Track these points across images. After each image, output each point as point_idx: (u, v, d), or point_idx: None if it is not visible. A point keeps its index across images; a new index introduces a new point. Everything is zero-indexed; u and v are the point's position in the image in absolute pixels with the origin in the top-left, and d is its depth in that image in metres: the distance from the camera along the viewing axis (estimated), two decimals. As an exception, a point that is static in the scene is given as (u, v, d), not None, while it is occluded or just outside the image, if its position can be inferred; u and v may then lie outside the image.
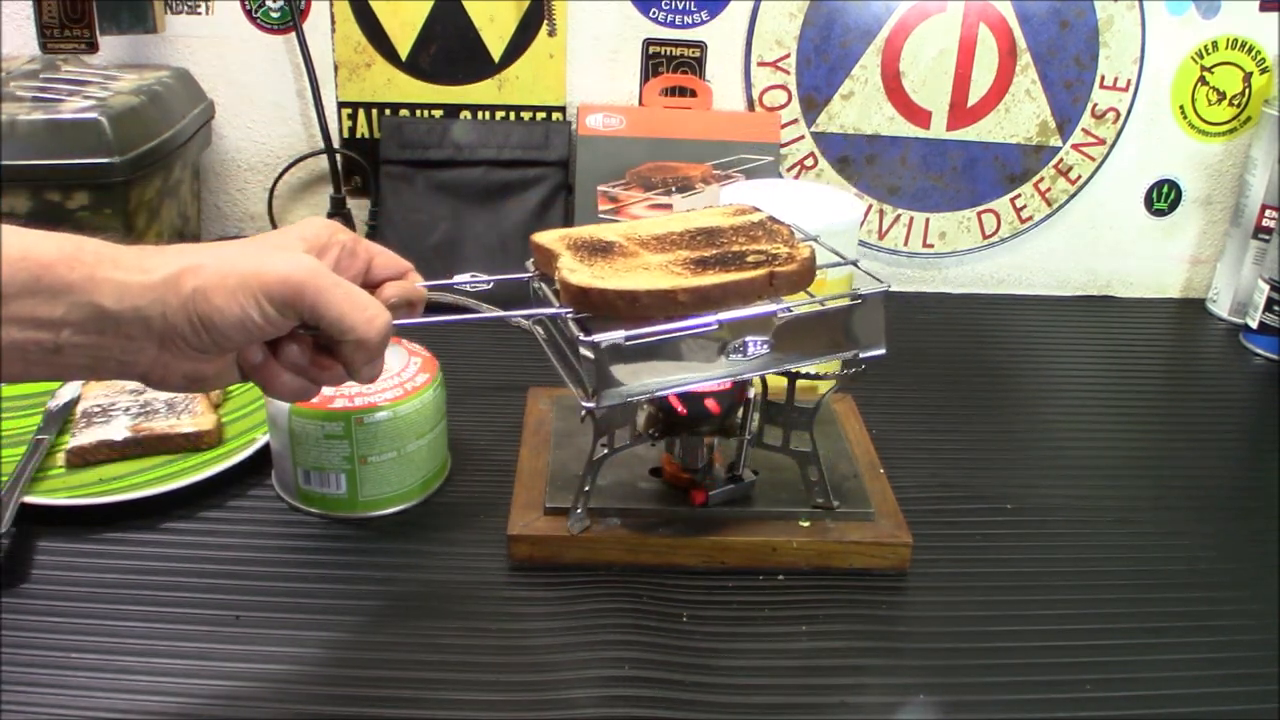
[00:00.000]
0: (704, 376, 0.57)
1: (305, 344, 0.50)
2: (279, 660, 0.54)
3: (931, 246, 1.05)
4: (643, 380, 0.55)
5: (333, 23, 0.96)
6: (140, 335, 0.46)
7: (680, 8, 0.97)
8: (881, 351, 0.60)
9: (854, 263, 0.63)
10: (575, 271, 0.56)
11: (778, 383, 0.63)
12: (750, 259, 0.57)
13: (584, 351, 0.54)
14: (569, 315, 0.55)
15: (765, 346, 0.56)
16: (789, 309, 0.56)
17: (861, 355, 0.59)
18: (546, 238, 0.61)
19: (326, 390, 0.55)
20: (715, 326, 0.55)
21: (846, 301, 0.58)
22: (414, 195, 0.97)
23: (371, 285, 0.54)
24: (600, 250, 0.58)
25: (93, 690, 0.52)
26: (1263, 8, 0.99)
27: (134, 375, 0.48)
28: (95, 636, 0.55)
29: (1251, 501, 0.73)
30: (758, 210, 0.65)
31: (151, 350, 0.47)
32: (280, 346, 0.50)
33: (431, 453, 0.67)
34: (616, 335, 0.53)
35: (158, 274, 0.46)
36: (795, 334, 0.57)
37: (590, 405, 0.55)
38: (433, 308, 0.74)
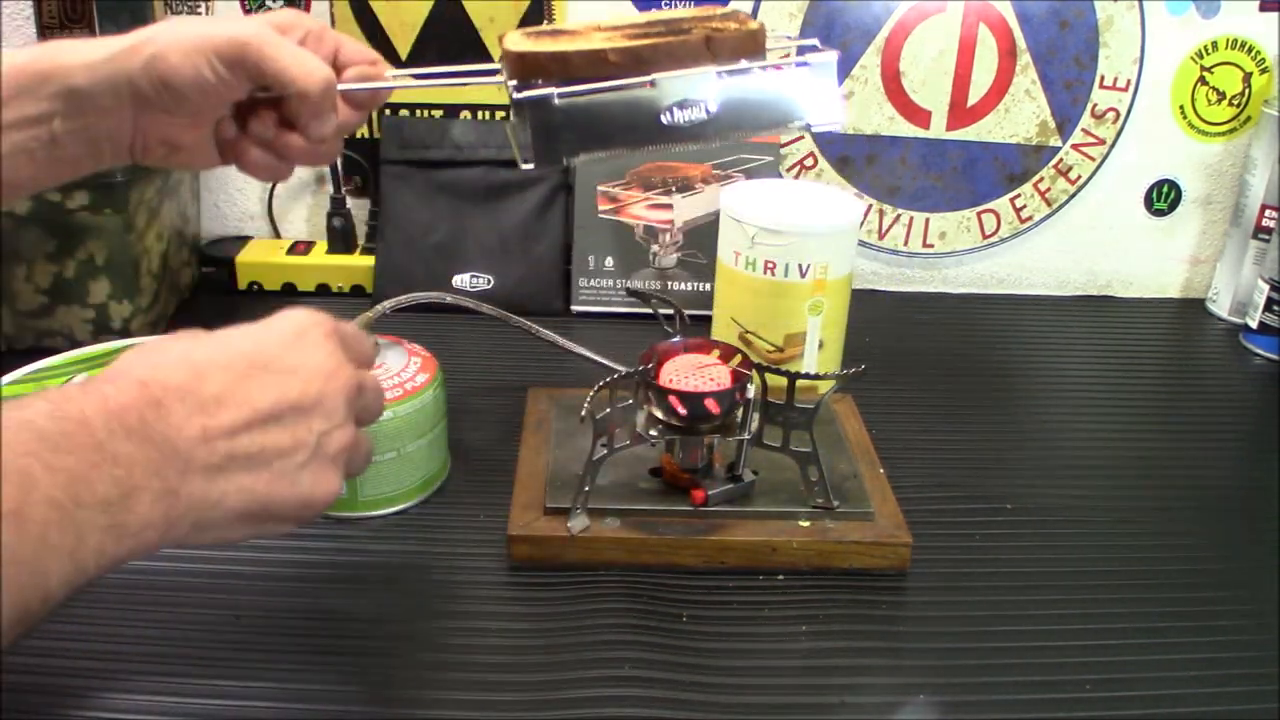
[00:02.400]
0: (647, 140, 0.56)
1: (269, 118, 0.55)
2: (279, 661, 0.54)
3: (931, 246, 1.05)
4: (585, 145, 0.55)
5: (333, 23, 0.96)
6: (114, 106, 0.52)
7: (680, 8, 0.97)
8: (837, 122, 0.58)
9: (809, 46, 0.60)
10: (518, 43, 0.56)
11: (778, 383, 0.63)
12: (694, 31, 0.56)
13: (515, 106, 0.54)
14: (510, 83, 0.55)
15: (705, 112, 0.55)
16: (725, 68, 0.55)
17: (813, 126, 0.57)
18: (513, 31, 0.60)
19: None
20: (649, 84, 0.54)
21: (791, 65, 0.56)
22: (414, 195, 0.97)
23: (339, 70, 0.57)
24: (552, 33, 0.58)
25: (92, 691, 0.52)
26: (1263, 8, 0.99)
27: (123, 152, 0.54)
28: (95, 637, 0.55)
29: (1251, 501, 0.73)
30: (736, 12, 0.62)
31: (129, 117, 0.53)
32: (248, 121, 0.56)
33: (431, 453, 0.67)
34: (547, 91, 0.53)
35: (119, 45, 0.51)
36: (739, 101, 0.55)
37: (529, 166, 0.55)
38: (432, 308, 0.75)
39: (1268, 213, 0.99)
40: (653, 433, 0.63)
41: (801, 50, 0.58)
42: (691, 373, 0.62)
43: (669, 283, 0.97)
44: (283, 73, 0.52)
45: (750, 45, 0.56)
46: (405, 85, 0.60)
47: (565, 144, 0.55)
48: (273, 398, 0.42)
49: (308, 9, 0.96)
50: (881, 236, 1.04)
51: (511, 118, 0.58)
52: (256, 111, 0.56)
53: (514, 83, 0.55)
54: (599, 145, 0.56)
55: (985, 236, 1.05)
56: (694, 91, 0.55)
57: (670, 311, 0.69)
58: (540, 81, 0.55)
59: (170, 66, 0.51)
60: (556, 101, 0.54)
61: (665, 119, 0.55)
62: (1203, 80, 1.01)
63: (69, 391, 0.38)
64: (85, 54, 0.51)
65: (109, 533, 0.36)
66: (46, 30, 0.89)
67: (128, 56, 0.51)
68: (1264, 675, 0.57)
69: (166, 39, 0.51)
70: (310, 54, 0.53)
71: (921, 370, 0.89)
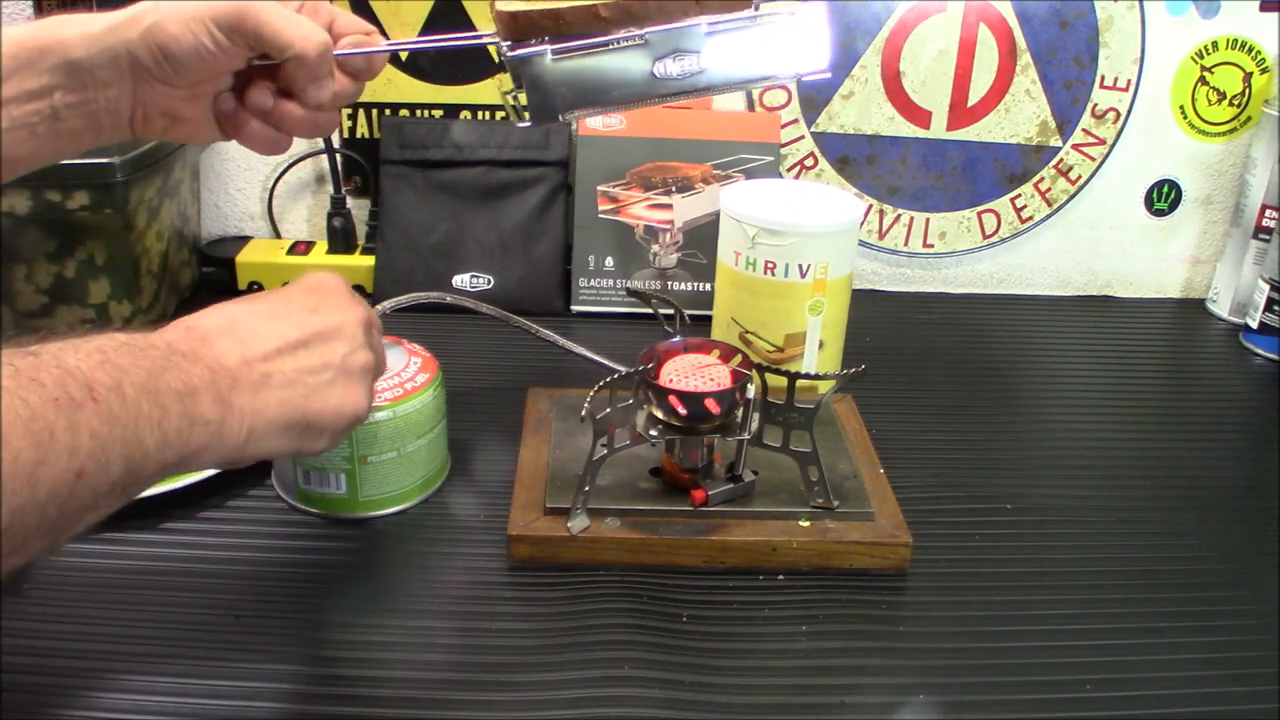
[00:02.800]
0: (641, 94, 0.57)
1: (267, 87, 0.56)
2: (279, 660, 0.54)
3: (931, 246, 1.05)
4: (581, 101, 0.56)
5: (333, 23, 0.96)
6: (114, 78, 0.53)
7: (680, 8, 0.97)
8: (825, 69, 0.59)
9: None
10: (509, 3, 0.56)
11: (778, 383, 0.63)
12: None
13: (510, 65, 0.55)
14: (504, 44, 0.56)
15: (697, 64, 0.56)
16: (716, 20, 0.56)
17: (802, 76, 0.58)
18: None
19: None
20: (641, 39, 0.55)
21: (779, 16, 0.57)
22: (414, 195, 0.97)
23: (333, 39, 0.57)
24: None
25: (92, 691, 0.52)
26: (1263, 8, 0.99)
27: (123, 125, 0.55)
28: (95, 637, 0.55)
29: (1251, 501, 0.73)
30: None
31: (128, 89, 0.53)
32: (245, 94, 0.56)
33: (431, 453, 0.67)
34: (541, 49, 0.54)
35: (118, 17, 0.52)
36: (729, 51, 0.56)
37: (526, 124, 0.57)
38: (432, 308, 0.75)
39: (1268, 213, 0.99)
40: (653, 433, 0.63)
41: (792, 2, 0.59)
42: (691, 373, 0.62)
43: (669, 283, 0.97)
44: (279, 34, 0.52)
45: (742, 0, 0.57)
46: (400, 48, 0.61)
47: (560, 100, 0.56)
48: (299, 328, 0.50)
49: (308, 9, 0.96)
50: (881, 236, 1.04)
51: (504, 88, 0.59)
52: (254, 81, 0.56)
53: (507, 43, 0.55)
54: (594, 101, 0.57)
55: (985, 236, 1.05)
56: (685, 43, 0.56)
57: (670, 311, 0.69)
58: (533, 41, 0.55)
59: (169, 35, 0.52)
60: (550, 58, 0.55)
61: (658, 71, 0.56)
62: (1203, 80, 1.01)
63: (140, 332, 0.45)
64: (84, 26, 0.52)
65: (183, 419, 0.43)
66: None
67: (127, 27, 0.52)
68: (1264, 675, 0.57)
69: (165, 9, 0.52)
70: (306, 19, 0.54)
71: (921, 370, 0.89)
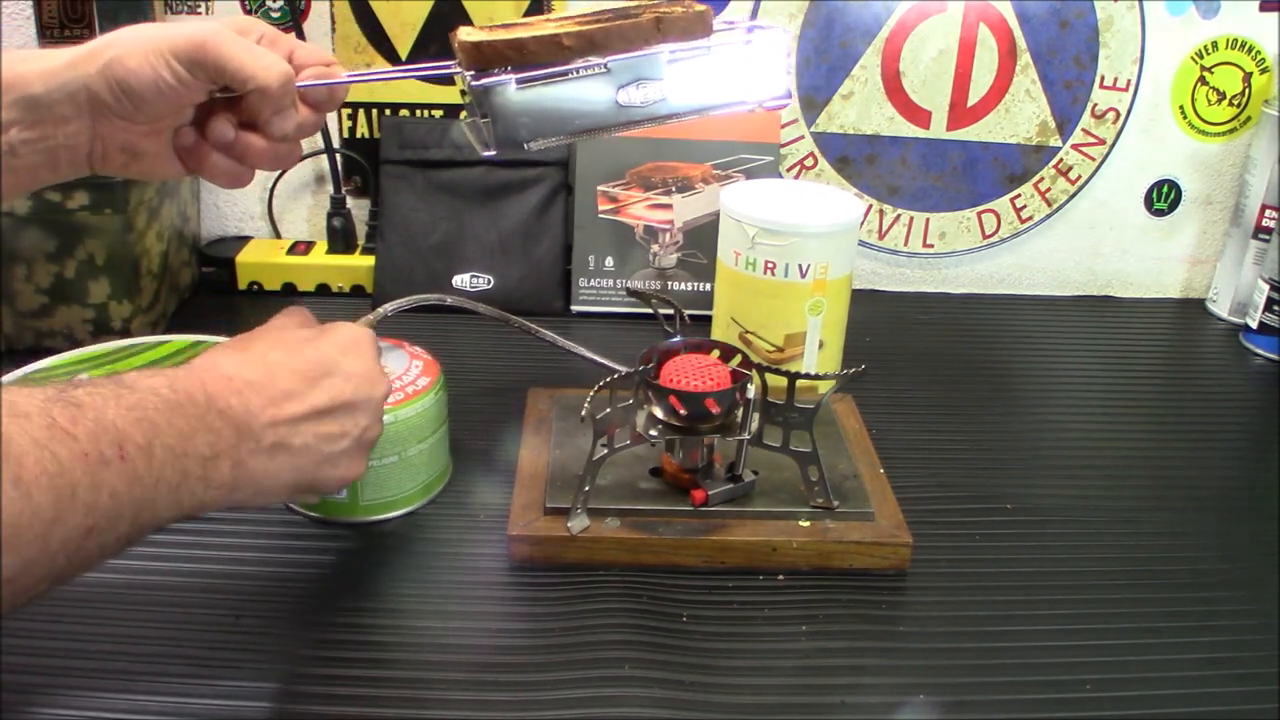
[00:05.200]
0: (604, 122, 0.58)
1: (228, 120, 0.56)
2: (280, 661, 0.54)
3: (931, 246, 1.05)
4: (545, 130, 0.57)
5: (333, 23, 0.96)
6: (73, 114, 0.52)
7: None
8: (782, 96, 0.59)
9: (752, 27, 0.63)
10: (472, 33, 0.57)
11: (778, 383, 0.63)
12: (644, 15, 0.57)
13: (474, 94, 0.56)
14: (468, 74, 0.56)
15: (659, 91, 0.57)
16: (677, 47, 0.57)
17: (764, 103, 0.59)
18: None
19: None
20: (603, 68, 0.55)
21: (738, 43, 0.58)
22: (414, 195, 0.97)
23: (295, 70, 0.57)
24: (505, 26, 0.59)
25: (92, 692, 0.52)
26: (1263, 8, 0.99)
27: (81, 161, 0.54)
28: (95, 638, 0.55)
29: (1251, 501, 0.73)
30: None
31: (87, 125, 0.53)
32: (207, 125, 0.56)
33: (433, 457, 0.67)
34: (505, 78, 0.55)
35: (77, 52, 0.51)
36: (690, 79, 0.57)
37: (490, 154, 0.57)
38: (433, 309, 0.75)
39: (1268, 213, 0.99)
40: (653, 433, 0.63)
41: (751, 31, 0.60)
42: (691, 373, 0.62)
43: (669, 283, 0.97)
44: (241, 67, 0.52)
45: (699, 26, 0.57)
46: (361, 80, 0.61)
47: (524, 129, 0.57)
48: (329, 397, 0.52)
49: (307, 9, 0.96)
50: (881, 236, 1.04)
51: (464, 116, 0.59)
52: (215, 114, 0.56)
53: (470, 73, 0.55)
54: (558, 129, 0.57)
55: (985, 236, 1.05)
56: (646, 71, 0.56)
57: (670, 311, 0.69)
58: (496, 71, 0.56)
59: (128, 70, 0.51)
60: (514, 88, 0.55)
61: (621, 99, 0.56)
62: (1203, 80, 1.01)
63: (178, 373, 0.46)
64: (43, 62, 0.51)
65: (200, 481, 0.44)
66: (47, 30, 0.89)
67: (86, 63, 0.51)
68: (1264, 675, 0.57)
69: (124, 43, 0.51)
70: (267, 51, 0.54)
71: (921, 370, 0.89)
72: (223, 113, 0.56)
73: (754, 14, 0.97)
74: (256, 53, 0.53)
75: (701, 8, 0.58)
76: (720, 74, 0.58)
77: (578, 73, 0.55)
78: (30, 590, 0.38)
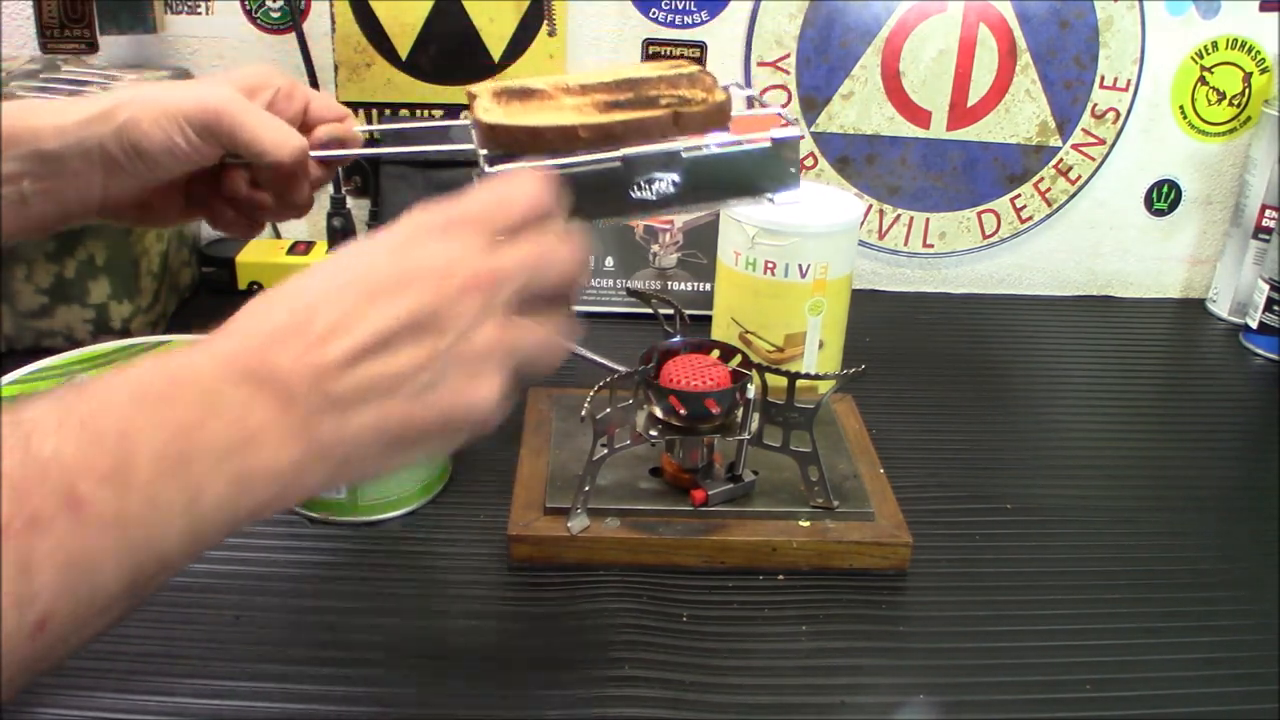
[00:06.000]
0: (616, 213, 0.57)
1: (241, 178, 0.56)
2: (278, 661, 0.54)
3: (931, 246, 1.05)
4: None
5: (333, 23, 0.96)
6: (85, 169, 0.52)
7: (680, 8, 0.97)
8: (796, 191, 0.58)
9: (788, 120, 0.61)
10: (489, 111, 0.56)
11: (778, 383, 0.63)
12: (663, 102, 0.56)
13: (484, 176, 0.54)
14: (482, 153, 0.55)
15: (673, 186, 0.56)
16: (691, 144, 0.55)
17: (775, 198, 0.58)
18: (480, 86, 0.61)
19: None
20: (617, 162, 0.54)
21: (757, 145, 0.57)
22: (414, 195, 0.97)
23: (309, 127, 0.57)
24: (521, 95, 0.59)
25: (92, 691, 0.52)
26: (1263, 8, 0.99)
27: (92, 211, 0.54)
28: (95, 639, 0.55)
29: (1251, 501, 0.73)
30: (695, 65, 0.64)
31: (99, 180, 0.52)
32: (220, 180, 0.56)
33: (432, 456, 0.67)
34: (516, 165, 0.53)
35: (91, 110, 0.51)
36: (704, 174, 0.56)
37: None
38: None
39: (1268, 213, 0.99)
40: (653, 433, 0.63)
41: (748, 101, 0.60)
42: (691, 373, 0.62)
43: (669, 283, 0.97)
44: (255, 140, 0.52)
45: (717, 119, 0.57)
46: (375, 155, 0.62)
47: None
48: (380, 323, 0.38)
49: (307, 9, 0.96)
50: (881, 236, 1.04)
51: (476, 179, 0.58)
52: (228, 172, 0.56)
53: (485, 153, 0.55)
54: (569, 217, 0.56)
55: (985, 236, 1.05)
56: (662, 165, 0.55)
57: (670, 311, 0.69)
58: (511, 155, 0.55)
59: (142, 133, 0.51)
60: None
61: (635, 192, 0.55)
62: (1203, 80, 1.01)
63: (169, 355, 0.36)
64: (56, 117, 0.51)
65: (233, 483, 0.34)
66: (47, 30, 0.89)
67: (99, 122, 0.51)
68: (1264, 675, 0.57)
69: (139, 104, 0.52)
70: (281, 123, 0.54)
71: (921, 370, 0.89)
72: (236, 171, 0.56)
73: (754, 14, 0.97)
74: (270, 125, 0.53)
75: (721, 97, 0.57)
76: (736, 170, 0.57)
77: (592, 164, 0.54)
78: None
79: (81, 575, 0.30)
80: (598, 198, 0.55)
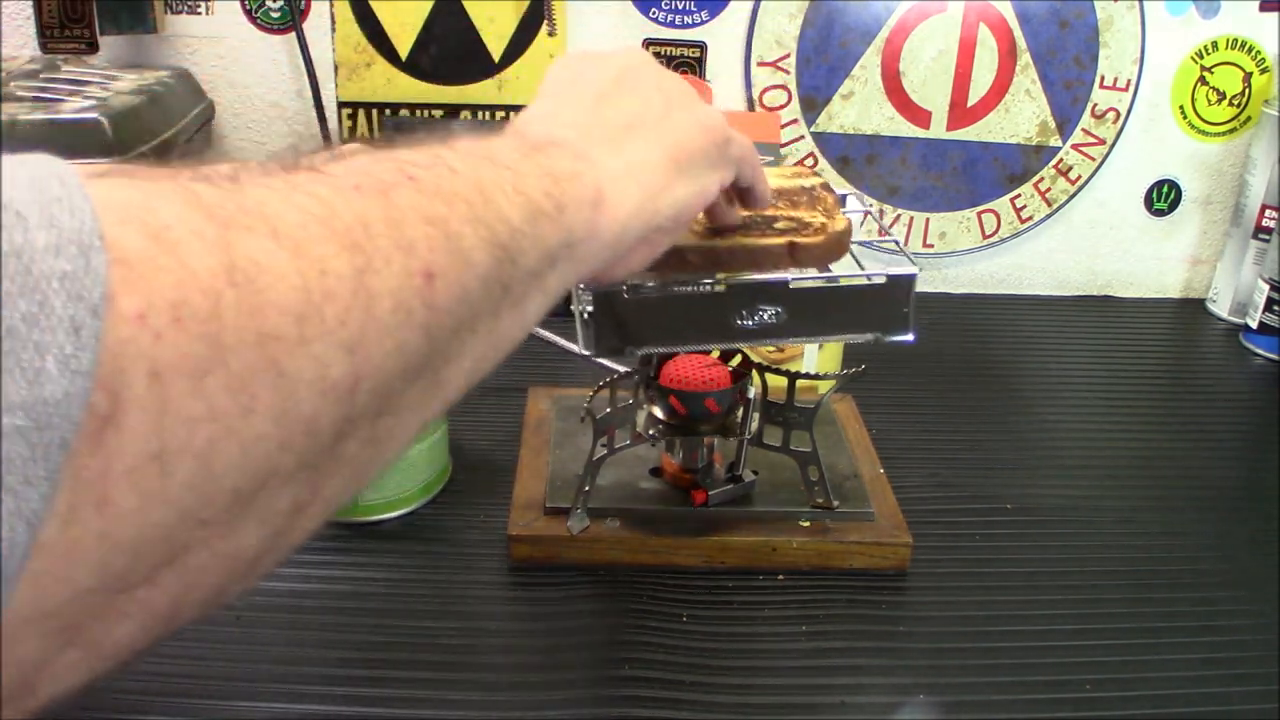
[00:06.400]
0: (714, 339, 0.55)
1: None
2: (278, 660, 0.54)
3: (931, 246, 1.05)
4: (651, 339, 0.53)
5: (333, 23, 0.96)
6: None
7: (680, 8, 0.97)
8: (909, 338, 0.55)
9: (897, 242, 0.61)
10: None
11: (778, 383, 0.63)
12: (780, 224, 0.53)
13: (582, 303, 0.52)
14: None
15: (776, 317, 0.53)
16: (799, 278, 0.53)
17: (885, 339, 0.55)
18: None
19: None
20: (715, 285, 0.51)
21: (866, 281, 0.54)
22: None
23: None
24: None
25: (92, 690, 0.52)
26: (1263, 8, 0.99)
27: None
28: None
29: (1251, 501, 0.73)
30: (815, 175, 0.61)
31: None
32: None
33: (432, 458, 0.67)
34: (614, 285, 0.51)
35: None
36: (811, 308, 0.53)
37: (587, 353, 0.53)
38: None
39: (1268, 213, 0.99)
40: (653, 433, 0.63)
41: (857, 215, 0.57)
42: (691, 373, 0.62)
43: (669, 283, 0.97)
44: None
45: (836, 250, 0.53)
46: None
47: (631, 336, 0.53)
48: (593, 85, 0.43)
49: (307, 9, 0.96)
50: (882, 235, 1.04)
51: (578, 308, 0.55)
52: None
53: None
54: (665, 340, 0.53)
55: (985, 236, 1.05)
56: (767, 296, 0.52)
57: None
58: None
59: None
60: (625, 294, 0.51)
61: (735, 320, 0.52)
62: (1203, 80, 1.01)
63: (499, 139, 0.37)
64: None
65: (544, 176, 0.35)
66: (47, 30, 0.89)
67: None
68: (1264, 675, 0.56)
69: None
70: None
71: (921, 370, 0.89)
72: None
73: (754, 14, 0.97)
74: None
75: (841, 225, 0.53)
76: (845, 305, 0.54)
77: (694, 287, 0.51)
78: (398, 400, 0.28)
79: (446, 236, 0.29)
80: (696, 323, 0.52)
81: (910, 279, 0.54)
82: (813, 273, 0.53)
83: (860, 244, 0.59)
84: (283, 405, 0.24)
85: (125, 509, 0.22)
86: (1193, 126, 1.03)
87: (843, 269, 0.55)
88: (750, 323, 0.53)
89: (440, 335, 0.29)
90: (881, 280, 0.53)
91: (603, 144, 0.40)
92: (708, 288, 0.52)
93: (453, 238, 0.30)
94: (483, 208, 0.31)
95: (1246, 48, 1.00)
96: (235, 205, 0.25)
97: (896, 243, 0.60)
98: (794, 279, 0.52)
